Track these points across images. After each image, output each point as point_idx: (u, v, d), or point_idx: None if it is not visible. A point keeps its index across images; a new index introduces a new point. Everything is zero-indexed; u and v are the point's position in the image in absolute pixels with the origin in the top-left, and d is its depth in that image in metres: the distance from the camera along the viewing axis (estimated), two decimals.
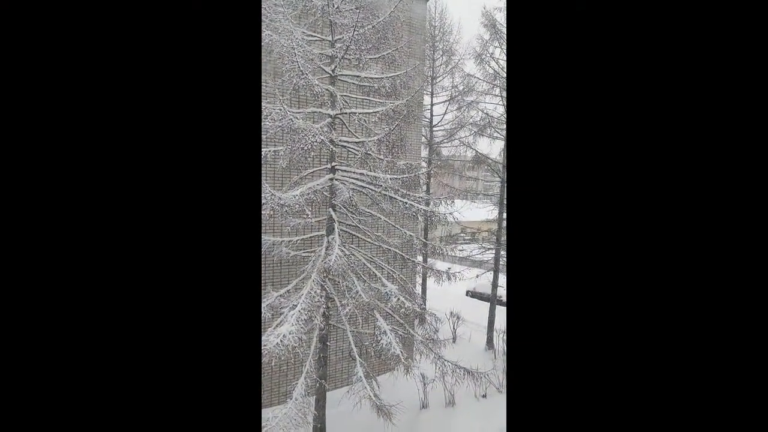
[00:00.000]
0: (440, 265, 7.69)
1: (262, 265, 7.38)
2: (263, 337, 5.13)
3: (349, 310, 5.63)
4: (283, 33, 5.47)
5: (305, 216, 5.65)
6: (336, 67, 6.11)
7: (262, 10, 6.07)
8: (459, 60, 12.48)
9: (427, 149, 12.85)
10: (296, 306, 5.30)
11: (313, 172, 6.41)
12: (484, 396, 8.50)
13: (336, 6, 5.95)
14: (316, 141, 5.46)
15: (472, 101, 11.68)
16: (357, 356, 5.84)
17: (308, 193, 5.53)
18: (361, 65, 6.19)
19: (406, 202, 6.03)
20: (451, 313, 11.62)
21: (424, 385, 7.82)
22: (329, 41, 6.12)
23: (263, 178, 5.68)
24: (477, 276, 12.14)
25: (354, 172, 6.29)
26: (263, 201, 5.25)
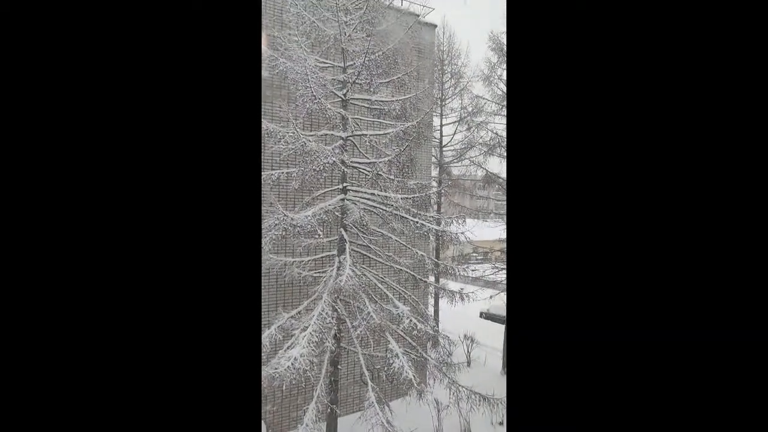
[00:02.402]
0: (453, 285, 7.55)
1: (274, 286, 7.39)
2: (274, 360, 5.08)
3: (361, 331, 5.56)
4: (297, 61, 5.67)
5: (317, 236, 5.68)
6: (347, 91, 6.28)
7: (278, 40, 6.32)
8: (467, 82, 12.69)
9: (438, 169, 12.92)
10: (307, 328, 5.26)
11: (324, 193, 6.48)
12: (501, 423, 8.18)
13: (348, 34, 6.17)
14: (328, 162, 5.56)
15: (481, 122, 11.79)
16: (369, 380, 5.72)
17: (320, 214, 5.58)
18: (371, 89, 6.34)
19: (417, 222, 6.03)
20: (465, 335, 11.35)
21: (438, 411, 7.57)
22: (341, 67, 6.31)
23: (276, 199, 5.77)
24: (491, 297, 11.90)
25: (365, 192, 6.34)
26: (275, 222, 5.31)
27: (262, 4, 7.16)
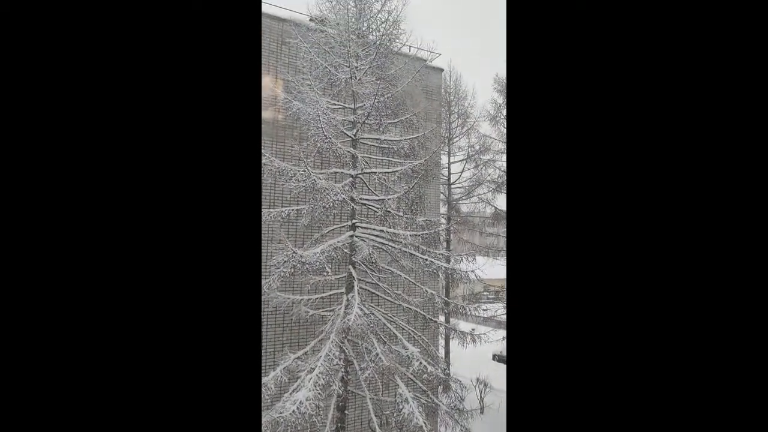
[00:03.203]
0: (464, 325, 7.32)
1: (281, 325, 7.24)
2: (279, 404, 4.87)
3: (369, 374, 5.35)
4: (309, 103, 5.91)
5: (325, 273, 5.63)
6: (357, 131, 6.47)
7: (292, 84, 6.64)
8: (474, 122, 13.03)
9: (446, 206, 12.96)
10: (314, 369, 5.08)
11: (333, 230, 6.50)
12: None
13: (358, 78, 6.46)
14: (337, 199, 5.62)
15: (488, 160, 11.96)
16: (377, 427, 5.43)
17: (329, 251, 5.57)
18: (381, 129, 6.54)
19: (426, 259, 5.96)
20: (478, 379, 10.85)
21: None
22: (351, 109, 6.55)
23: (285, 236, 5.79)
24: (503, 338, 11.48)
25: (374, 229, 6.35)
26: (284, 259, 5.30)
27: (277, 51, 7.59)
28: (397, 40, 6.94)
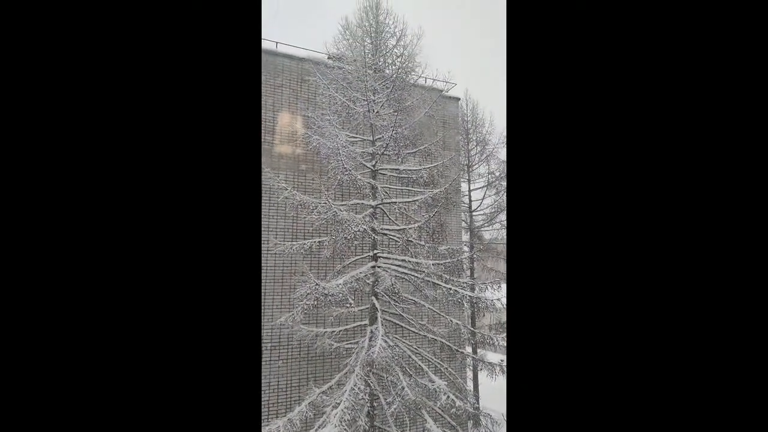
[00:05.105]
0: (492, 356, 7.04)
1: (305, 359, 7.17)
2: None
3: (395, 409, 5.17)
4: (329, 137, 6.10)
5: (348, 305, 5.60)
6: (376, 162, 6.59)
7: (312, 119, 6.89)
8: (493, 149, 13.03)
9: (468, 233, 12.80)
10: (339, 404, 4.96)
11: (355, 261, 6.51)
12: None
13: (376, 111, 6.64)
14: (358, 230, 5.66)
15: None
16: None
17: (351, 282, 5.56)
18: (400, 159, 6.63)
19: (450, 288, 5.85)
20: None
21: None
22: (370, 141, 6.71)
23: (308, 268, 5.84)
24: None
25: (396, 259, 6.31)
26: (307, 291, 5.32)
27: (297, 89, 7.95)
28: (413, 73, 7.15)
